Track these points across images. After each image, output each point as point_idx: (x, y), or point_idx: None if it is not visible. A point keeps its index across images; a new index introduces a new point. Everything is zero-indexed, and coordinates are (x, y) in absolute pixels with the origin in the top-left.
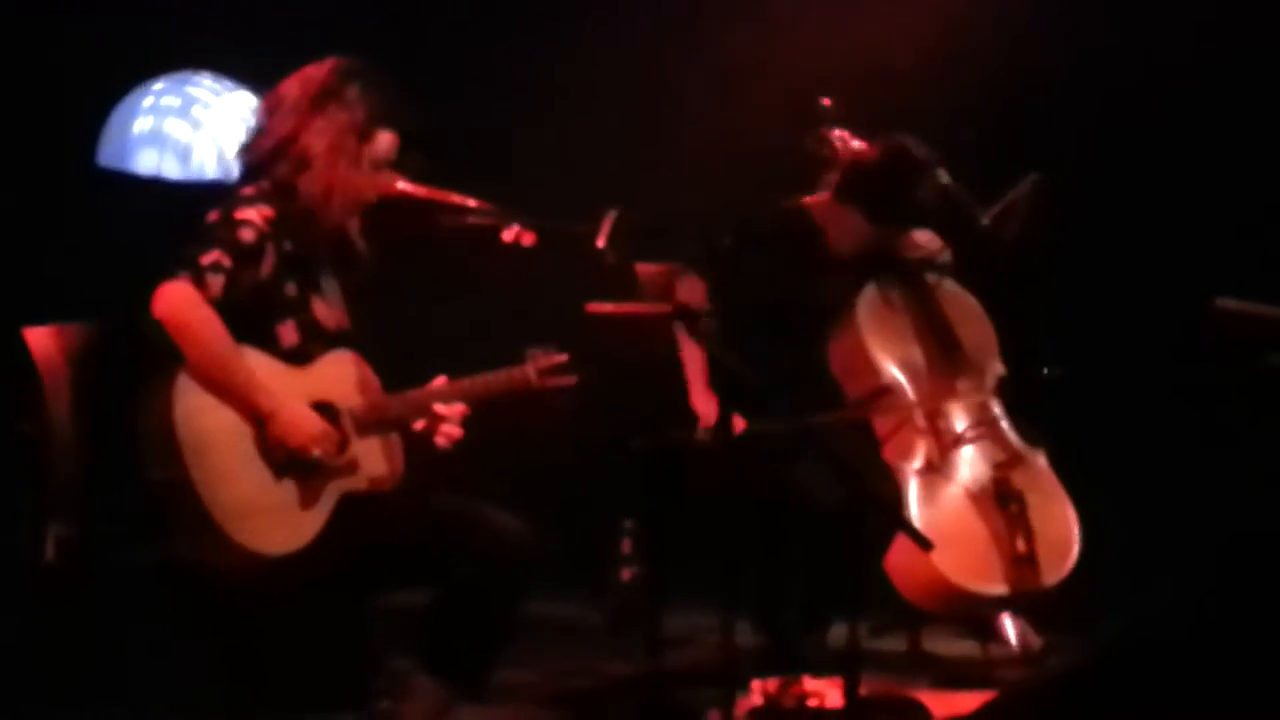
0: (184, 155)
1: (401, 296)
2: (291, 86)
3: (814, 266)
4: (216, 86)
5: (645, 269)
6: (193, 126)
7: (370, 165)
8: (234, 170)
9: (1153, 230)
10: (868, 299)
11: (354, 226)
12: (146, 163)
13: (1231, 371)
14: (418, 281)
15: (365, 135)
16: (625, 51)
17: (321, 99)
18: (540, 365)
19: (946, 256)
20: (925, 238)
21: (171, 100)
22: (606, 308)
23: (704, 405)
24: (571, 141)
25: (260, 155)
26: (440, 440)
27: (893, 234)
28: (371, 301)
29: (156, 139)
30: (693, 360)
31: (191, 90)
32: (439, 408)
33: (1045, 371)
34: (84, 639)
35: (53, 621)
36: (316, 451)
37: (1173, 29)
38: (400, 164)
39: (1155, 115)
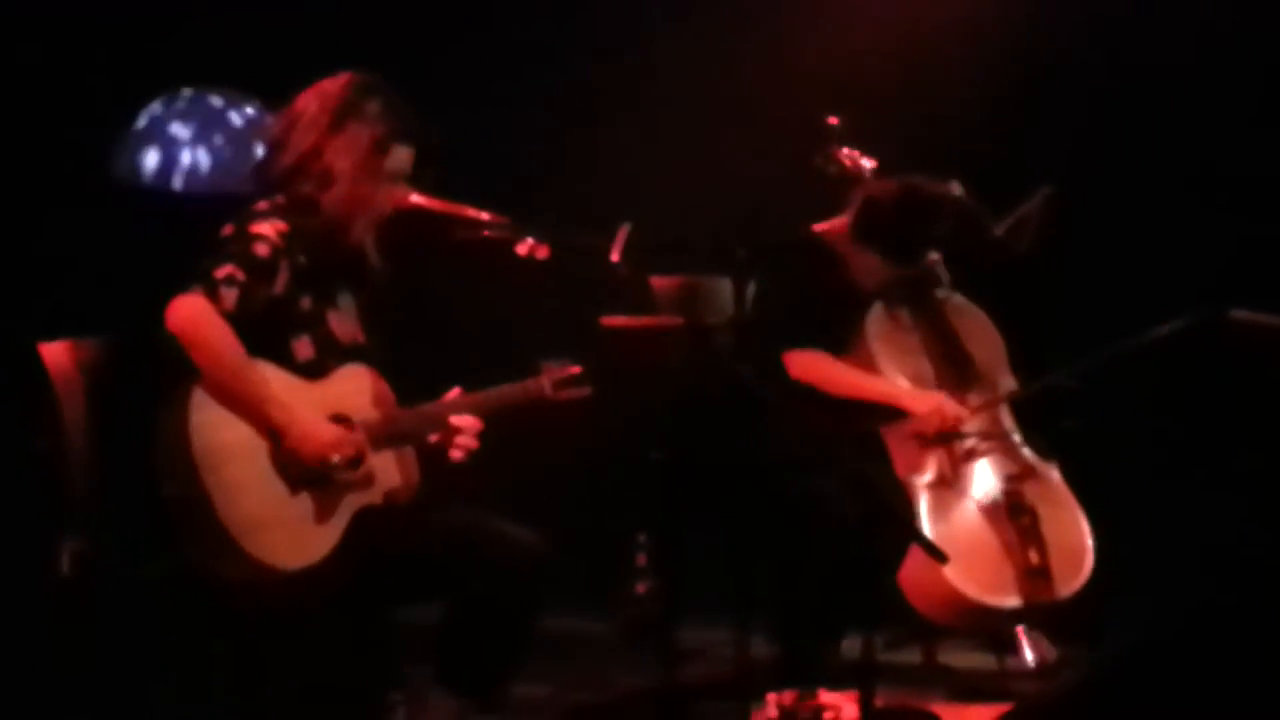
0: (180, 162)
1: (416, 310)
2: (309, 101)
3: (829, 288)
4: (229, 102)
5: (660, 282)
6: (195, 138)
7: (388, 180)
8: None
9: (1165, 241)
10: (876, 316)
11: (370, 242)
12: (147, 165)
13: (1245, 382)
14: (432, 295)
15: (384, 150)
16: (640, 67)
17: (341, 115)
18: (554, 378)
19: (944, 275)
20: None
21: (181, 109)
22: (621, 321)
23: (924, 405)
24: (586, 156)
25: (280, 171)
26: (456, 454)
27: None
28: (386, 315)
29: (159, 144)
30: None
31: (203, 105)
32: (455, 420)
33: (1059, 382)
34: (98, 652)
35: (67, 635)
36: (335, 458)
37: (1186, 34)
38: (416, 179)
39: (1170, 123)
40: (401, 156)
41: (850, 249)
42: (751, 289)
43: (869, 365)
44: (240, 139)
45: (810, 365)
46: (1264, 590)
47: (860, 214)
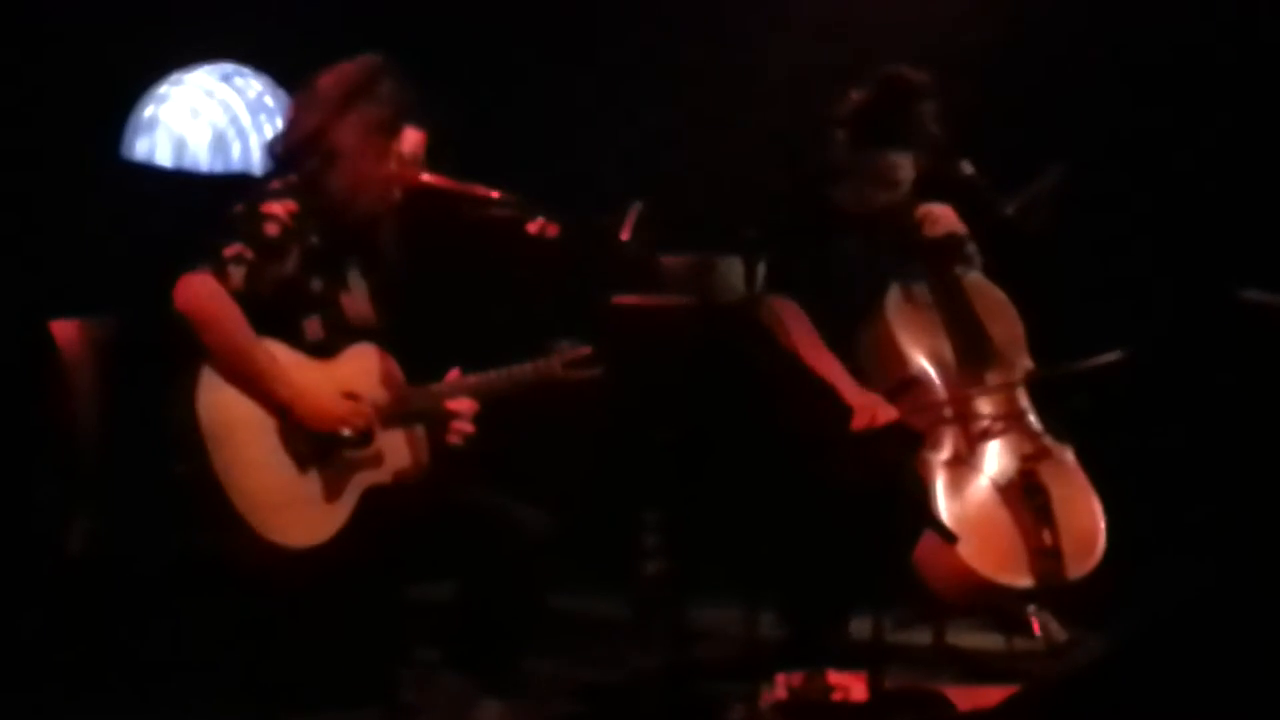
0: (179, 144)
1: (426, 289)
2: (325, 81)
3: (841, 258)
4: (241, 80)
5: (670, 261)
6: (207, 116)
7: (396, 162)
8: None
9: (1179, 222)
10: (896, 293)
11: (383, 228)
12: (141, 149)
13: (1258, 363)
14: (442, 274)
15: (394, 132)
16: (651, 47)
17: (354, 95)
18: (565, 358)
19: (972, 249)
20: (941, 211)
21: (193, 87)
22: (632, 300)
23: (860, 399)
24: (597, 135)
25: (290, 147)
26: (453, 438)
27: (908, 170)
28: (397, 296)
29: (170, 123)
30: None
31: (215, 83)
32: (451, 404)
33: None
34: (109, 631)
35: (78, 614)
36: (346, 431)
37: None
38: (429, 162)
39: (1183, 102)
40: (412, 139)
41: (855, 171)
42: (763, 267)
43: (888, 344)
44: (252, 117)
45: (777, 312)
46: (1271, 573)
47: (852, 120)
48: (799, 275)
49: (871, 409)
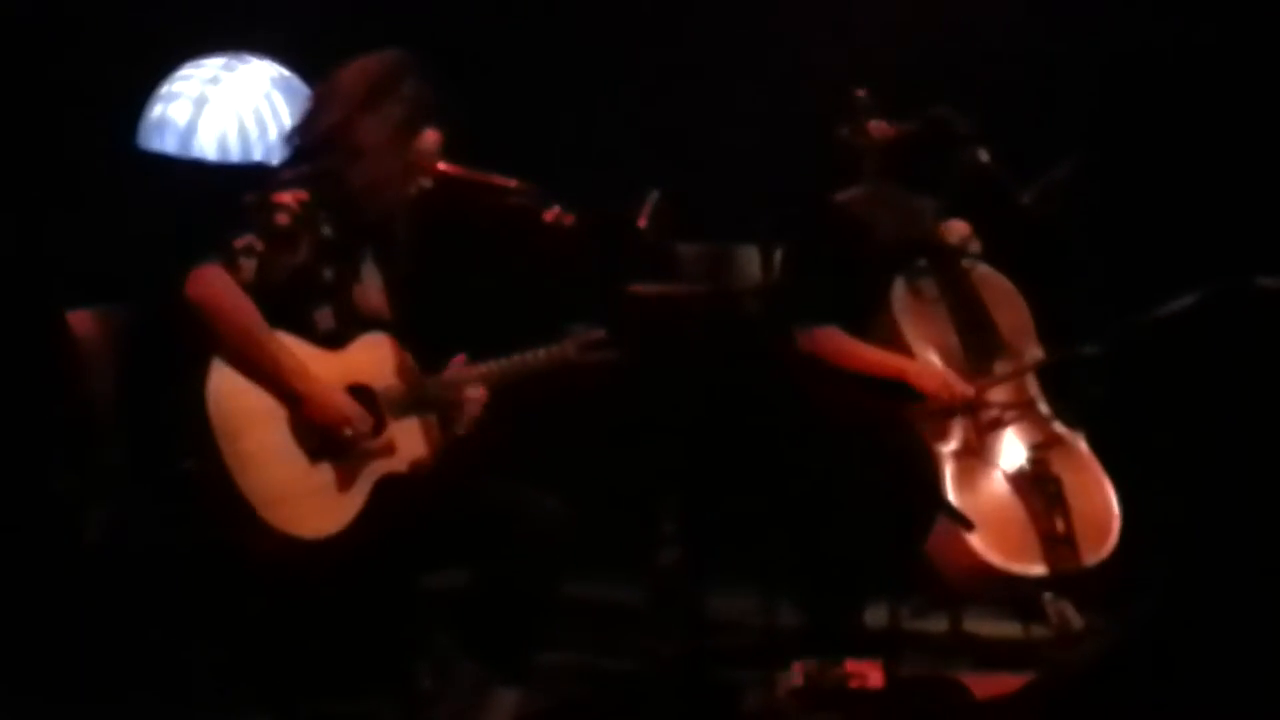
0: (186, 135)
1: (442, 279)
2: (348, 75)
3: (852, 259)
4: (257, 69)
5: (687, 249)
6: (223, 105)
7: (415, 159)
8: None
9: (1192, 209)
10: (902, 287)
11: (399, 218)
12: (155, 140)
13: (1273, 349)
14: (458, 263)
15: (415, 130)
16: (667, 35)
17: (377, 93)
18: (580, 341)
19: (976, 247)
20: (959, 226)
21: (208, 76)
22: (648, 288)
23: (932, 383)
24: (614, 124)
25: (310, 141)
26: (464, 427)
27: (930, 217)
28: (412, 285)
29: (185, 112)
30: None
31: (230, 71)
32: (463, 392)
33: (1083, 349)
34: (125, 620)
35: (95, 603)
36: (347, 432)
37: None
38: (446, 151)
39: (1197, 90)
40: (431, 138)
41: (876, 198)
42: (777, 256)
43: (894, 338)
44: (268, 107)
45: (823, 341)
46: None
47: (889, 149)
48: (811, 271)
49: (948, 388)
